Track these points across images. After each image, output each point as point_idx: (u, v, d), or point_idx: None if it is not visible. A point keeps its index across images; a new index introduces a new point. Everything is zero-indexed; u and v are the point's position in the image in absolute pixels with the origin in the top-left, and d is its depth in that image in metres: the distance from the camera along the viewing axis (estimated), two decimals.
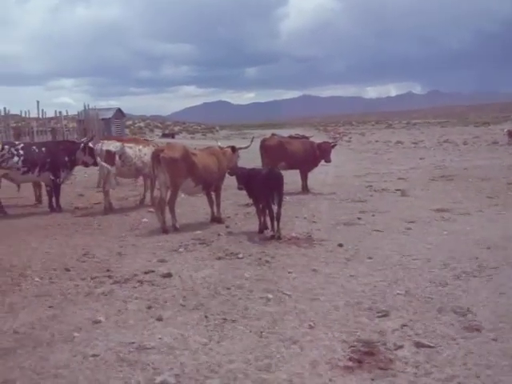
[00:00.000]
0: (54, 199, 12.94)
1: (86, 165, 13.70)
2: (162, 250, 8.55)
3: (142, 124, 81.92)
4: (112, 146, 12.64)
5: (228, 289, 6.51)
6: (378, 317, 5.52)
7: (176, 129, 78.44)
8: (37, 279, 7.17)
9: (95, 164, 13.42)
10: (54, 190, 12.95)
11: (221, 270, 7.38)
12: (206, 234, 9.69)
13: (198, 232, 9.81)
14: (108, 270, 7.45)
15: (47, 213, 12.65)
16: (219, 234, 9.61)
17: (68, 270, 7.56)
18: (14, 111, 32.76)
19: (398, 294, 6.22)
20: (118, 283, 6.87)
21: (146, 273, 7.25)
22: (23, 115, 31.20)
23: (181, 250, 8.55)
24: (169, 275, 7.07)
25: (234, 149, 11.16)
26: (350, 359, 4.58)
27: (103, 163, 12.50)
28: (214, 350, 4.81)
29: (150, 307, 5.93)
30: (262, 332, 5.18)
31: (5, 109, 29.04)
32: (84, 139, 13.98)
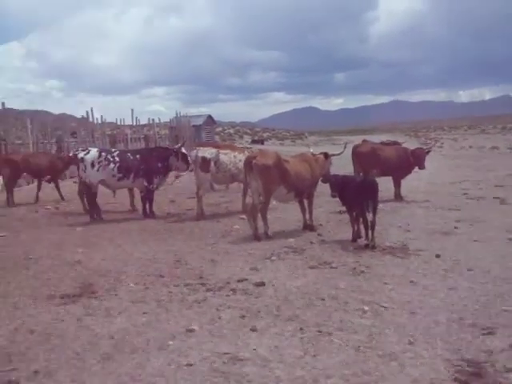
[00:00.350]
0: (147, 205, 13.19)
1: (180, 170, 13.91)
2: (254, 258, 8.50)
3: (231, 130, 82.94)
4: (207, 152, 12.81)
5: (322, 299, 6.35)
6: (483, 334, 5.21)
7: (265, 135, 78.94)
8: (132, 285, 7.26)
9: (189, 169, 13.66)
10: (148, 196, 13.19)
11: (314, 279, 7.23)
12: (299, 241, 9.57)
13: (290, 240, 9.70)
14: (201, 277, 7.46)
15: (141, 218, 12.90)
16: (312, 242, 9.46)
17: (162, 276, 7.62)
18: (110, 119, 33.90)
19: (504, 310, 5.86)
20: (211, 291, 6.84)
21: (239, 281, 7.19)
22: (118, 123, 32.17)
23: (273, 257, 8.46)
24: (262, 284, 6.99)
25: (326, 155, 10.98)
26: (456, 380, 4.31)
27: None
28: (309, 364, 4.67)
29: (243, 316, 5.86)
30: (359, 346, 4.97)
31: (101, 117, 30.07)
32: (177, 145, 14.18)
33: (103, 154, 12.95)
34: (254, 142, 60.95)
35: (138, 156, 13.23)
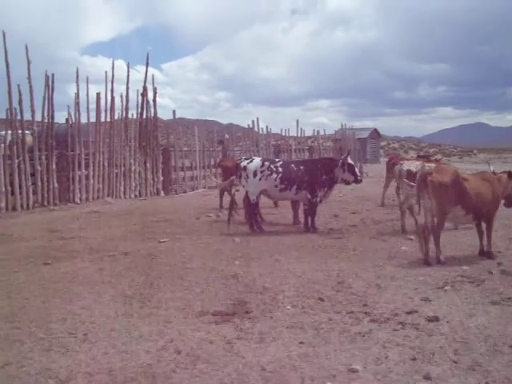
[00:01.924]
0: (309, 219, 12.61)
1: (346, 183, 13.16)
2: (425, 286, 7.53)
3: (396, 145, 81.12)
4: (413, 165, 12.27)
5: (511, 346, 5.31)
6: None
7: (431, 151, 76.06)
8: (288, 307, 6.65)
9: (356, 181, 12.92)
10: (311, 209, 12.59)
11: (498, 318, 6.13)
12: (475, 270, 8.42)
13: (465, 268, 8.57)
14: (365, 305, 6.67)
15: (302, 232, 12.33)
16: (491, 272, 8.27)
17: (322, 299, 6.93)
18: (275, 130, 33.96)
19: None
20: (376, 322, 6.04)
21: (408, 313, 6.31)
22: (283, 134, 32.12)
23: (447, 287, 7.43)
24: (435, 319, 6.06)
25: (510, 174, 9.72)
26: None
27: (405, 181, 12.20)
28: None
29: (414, 359, 4.98)
30: None
31: (266, 127, 30.19)
32: (343, 156, 13.43)
33: (266, 163, 12.58)
34: (419, 157, 58.76)
35: (301, 167, 12.67)
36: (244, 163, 12.63)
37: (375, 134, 51.77)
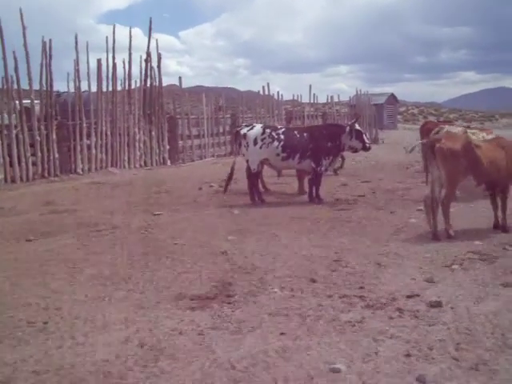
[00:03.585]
0: (313, 189, 11.90)
1: (353, 150, 12.38)
2: (430, 265, 6.80)
3: (415, 110, 79.55)
4: (455, 131, 11.65)
5: None
6: None
7: (451, 116, 74.39)
8: (276, 289, 5.98)
9: (364, 149, 12.16)
10: (315, 179, 11.86)
11: (509, 304, 5.39)
12: (488, 246, 7.66)
13: (477, 242, 7.82)
14: (361, 288, 5.97)
15: (306, 203, 11.63)
16: (505, 248, 7.49)
17: (314, 280, 6.24)
18: (287, 96, 33.05)
19: None
20: (370, 308, 5.34)
21: (408, 297, 5.61)
22: (295, 99, 31.13)
23: (455, 266, 6.70)
24: (438, 304, 5.34)
25: None
26: None
27: None
28: None
29: (408, 355, 4.26)
30: None
31: (278, 93, 29.26)
32: (350, 122, 12.60)
33: (267, 130, 11.80)
34: (439, 122, 57.46)
35: (305, 134, 11.90)
36: (244, 130, 11.90)
37: (392, 99, 50.50)
